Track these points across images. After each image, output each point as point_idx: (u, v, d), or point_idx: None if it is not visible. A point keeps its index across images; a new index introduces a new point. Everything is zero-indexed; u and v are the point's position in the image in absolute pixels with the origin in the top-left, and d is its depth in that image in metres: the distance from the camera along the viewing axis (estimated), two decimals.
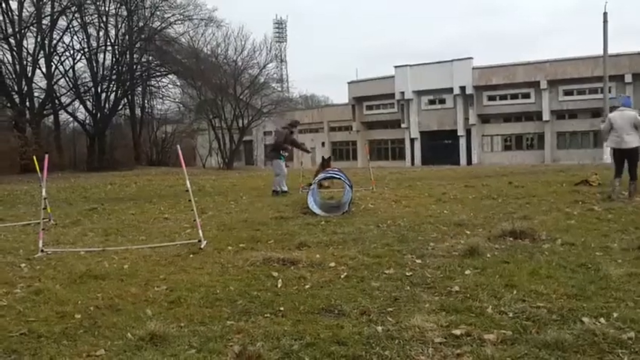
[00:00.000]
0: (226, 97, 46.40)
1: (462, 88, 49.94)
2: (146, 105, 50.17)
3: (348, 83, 59.23)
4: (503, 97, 49.96)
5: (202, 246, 6.69)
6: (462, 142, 51.40)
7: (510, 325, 3.58)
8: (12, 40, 37.15)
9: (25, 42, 38.13)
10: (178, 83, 48.75)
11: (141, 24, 43.65)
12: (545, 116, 47.80)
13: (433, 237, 6.84)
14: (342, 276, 5.04)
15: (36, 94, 39.92)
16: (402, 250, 6.05)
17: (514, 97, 49.52)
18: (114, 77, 42.97)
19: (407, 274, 5.02)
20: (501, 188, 13.09)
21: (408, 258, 5.67)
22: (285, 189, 13.10)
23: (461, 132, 51.25)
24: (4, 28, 37.09)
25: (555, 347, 3.22)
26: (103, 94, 42.88)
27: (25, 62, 37.98)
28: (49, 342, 3.63)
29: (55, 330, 3.83)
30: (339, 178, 11.06)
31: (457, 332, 3.48)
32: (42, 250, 6.67)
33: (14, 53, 37.61)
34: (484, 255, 5.56)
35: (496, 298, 4.15)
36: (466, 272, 4.96)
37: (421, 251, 5.97)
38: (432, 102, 53.11)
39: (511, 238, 6.31)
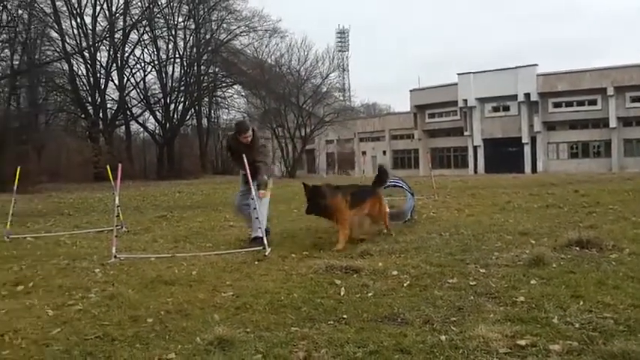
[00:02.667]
0: (289, 106, 47.09)
1: (527, 95, 48.77)
2: (212, 115, 51.66)
3: (410, 91, 58.94)
4: (569, 104, 48.45)
5: (266, 253, 6.81)
6: (527, 149, 50.14)
7: (576, 336, 3.49)
8: (86, 54, 38.85)
9: (98, 55, 39.91)
10: (243, 93, 49.95)
11: (208, 36, 45.00)
12: (612, 123, 46.14)
13: (497, 246, 6.73)
14: (404, 284, 5.03)
15: (109, 106, 41.66)
16: (465, 260, 5.98)
17: (580, 103, 48.00)
18: (182, 88, 44.37)
19: (471, 283, 4.97)
20: (567, 197, 12.72)
21: (472, 267, 5.60)
22: (256, 234, 7.59)
23: (525, 139, 50.01)
24: (78, 42, 38.87)
25: (622, 358, 3.13)
26: (172, 105, 44.34)
27: (98, 75, 39.66)
28: (122, 345, 3.75)
29: (128, 334, 3.96)
30: (401, 187, 11.02)
31: (522, 343, 3.43)
32: (115, 256, 6.90)
33: (88, 66, 39.33)
34: (550, 265, 5.42)
35: (562, 309, 4.06)
36: (531, 282, 4.86)
37: (485, 261, 5.87)
38: (495, 109, 52.11)
39: (577, 248, 6.12)
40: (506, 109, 51.47)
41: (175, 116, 44.69)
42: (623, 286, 4.60)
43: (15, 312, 4.56)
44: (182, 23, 43.73)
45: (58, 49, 37.51)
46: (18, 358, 3.57)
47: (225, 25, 45.07)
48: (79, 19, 38.59)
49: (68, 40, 38.27)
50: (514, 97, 49.63)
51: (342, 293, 4.83)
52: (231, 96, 49.71)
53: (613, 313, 3.90)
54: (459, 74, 52.88)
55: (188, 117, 47.67)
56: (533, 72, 48.86)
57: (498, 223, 8.83)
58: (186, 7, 43.35)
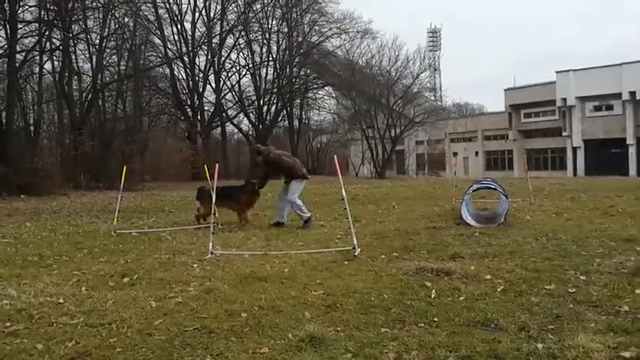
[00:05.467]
0: (379, 107, 46.91)
1: (632, 94, 45.78)
2: (303, 116, 52.31)
3: (505, 90, 57.17)
4: None
5: (356, 253, 6.85)
6: (632, 151, 47.06)
7: None
8: (186, 59, 40.52)
9: (197, 60, 41.42)
10: (334, 95, 50.25)
11: (300, 39, 45.69)
12: None
13: (599, 252, 6.42)
14: (498, 289, 4.91)
15: (206, 108, 43.06)
16: (563, 266, 5.75)
17: None
18: (275, 91, 45.29)
19: (570, 290, 4.77)
20: None
21: (571, 274, 5.38)
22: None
23: (630, 140, 46.97)
24: (179, 47, 40.59)
25: None
26: (265, 107, 45.32)
27: (197, 78, 41.23)
28: (218, 338, 3.91)
29: (224, 327, 4.12)
30: (494, 189, 10.74)
31: (627, 354, 3.27)
32: (211, 252, 7.16)
33: (188, 70, 41.01)
34: None
35: None
36: (637, 291, 4.62)
37: (585, 267, 5.63)
38: (597, 108, 49.38)
39: None
40: (609, 108, 48.67)
41: (268, 118, 45.65)
42: None
43: (121, 302, 4.85)
44: (275, 27, 44.67)
45: (160, 55, 39.27)
46: (124, 346, 3.79)
47: (317, 28, 45.58)
48: (179, 26, 40.27)
49: (169, 46, 39.97)
50: (618, 96, 46.82)
51: (432, 296, 4.79)
52: (322, 97, 50.19)
53: None
54: (557, 72, 50.60)
55: (280, 118, 48.58)
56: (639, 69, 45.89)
57: (600, 228, 8.42)
58: (280, 11, 44.27)
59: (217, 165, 8.77)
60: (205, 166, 11.99)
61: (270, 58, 45.07)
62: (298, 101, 49.75)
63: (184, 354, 3.65)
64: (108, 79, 32.34)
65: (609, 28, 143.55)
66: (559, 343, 3.51)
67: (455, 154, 53.98)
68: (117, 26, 30.90)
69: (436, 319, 4.14)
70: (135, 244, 8.45)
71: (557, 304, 4.39)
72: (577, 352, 3.34)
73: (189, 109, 41.51)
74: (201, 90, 41.51)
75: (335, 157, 8.06)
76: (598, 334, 3.63)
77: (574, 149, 50.74)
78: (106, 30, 29.68)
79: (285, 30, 44.54)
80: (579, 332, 3.66)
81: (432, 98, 58.59)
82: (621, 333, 3.65)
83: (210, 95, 43.63)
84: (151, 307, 4.71)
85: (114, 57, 32.48)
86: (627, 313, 4.08)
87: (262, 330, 4.05)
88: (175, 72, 40.90)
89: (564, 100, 49.65)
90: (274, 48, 45.18)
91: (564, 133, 51.04)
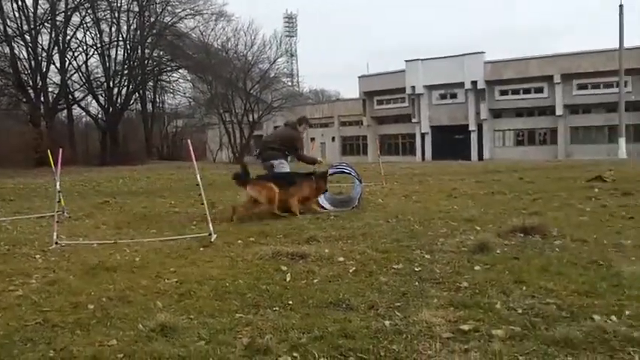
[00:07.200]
0: (236, 91, 46.62)
1: (474, 83, 49.55)
2: (157, 100, 50.62)
3: (359, 78, 59.16)
4: (515, 92, 49.43)
5: (212, 239, 6.73)
6: (474, 137, 51.08)
7: (519, 321, 3.56)
8: (27, 37, 37.71)
9: (39, 38, 38.77)
10: (189, 78, 49.14)
11: (152, 19, 43.96)
12: (559, 111, 47.19)
13: (443, 232, 6.81)
14: (350, 270, 5.05)
15: (50, 89, 40.48)
16: (411, 246, 6.03)
17: (527, 91, 48.99)
18: (125, 72, 43.33)
19: (416, 269, 5.02)
20: (512, 184, 13.02)
21: (417, 253, 5.65)
22: None
23: (472, 127, 50.93)
24: (19, 24, 37.62)
25: (564, 344, 3.19)
26: (115, 89, 43.29)
27: (39, 58, 38.51)
28: (63, 331, 3.70)
29: (68, 320, 3.90)
30: (349, 173, 11.07)
31: (465, 327, 3.48)
32: (56, 242, 6.76)
33: (29, 49, 38.18)
34: (494, 251, 5.51)
35: (505, 294, 4.14)
36: (475, 268, 4.95)
37: (430, 247, 5.94)
38: (443, 96, 52.86)
39: (521, 234, 6.24)
40: (454, 96, 52.21)
41: (119, 100, 43.59)
42: (567, 272, 4.70)
43: None
44: (125, 6, 42.58)
45: None
46: None
47: (169, 8, 44.08)
48: (19, 2, 37.31)
49: (9, 23, 37.04)
50: (461, 85, 50.39)
51: (287, 279, 4.81)
52: (177, 80, 48.80)
53: (556, 299, 3.98)
54: (406, 61, 53.29)
55: (132, 101, 46.63)
56: (481, 59, 49.56)
57: (444, 209, 8.94)
58: None
59: (61, 150, 8.19)
60: (49, 152, 11.21)
61: (120, 38, 43.09)
62: (151, 84, 48.01)
63: (25, 350, 3.41)
64: None
65: (459, 21, 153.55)
66: (405, 320, 3.67)
67: (312, 139, 55.12)
68: None
69: (291, 303, 4.16)
70: None
71: (404, 283, 4.59)
72: (420, 327, 3.51)
73: (31, 90, 38.54)
74: (44, 70, 38.70)
75: (188, 141, 7.81)
76: (440, 310, 3.84)
77: (422, 135, 53.97)
78: None
79: (136, 9, 42.63)
80: (423, 308, 3.85)
81: (290, 84, 59.25)
82: (461, 307, 3.88)
83: (54, 76, 40.87)
84: None
85: None
86: (466, 289, 4.35)
87: (110, 322, 3.86)
88: (16, 50, 37.93)
89: (413, 87, 52.52)
90: (124, 28, 43.30)
91: (413, 120, 54.09)
